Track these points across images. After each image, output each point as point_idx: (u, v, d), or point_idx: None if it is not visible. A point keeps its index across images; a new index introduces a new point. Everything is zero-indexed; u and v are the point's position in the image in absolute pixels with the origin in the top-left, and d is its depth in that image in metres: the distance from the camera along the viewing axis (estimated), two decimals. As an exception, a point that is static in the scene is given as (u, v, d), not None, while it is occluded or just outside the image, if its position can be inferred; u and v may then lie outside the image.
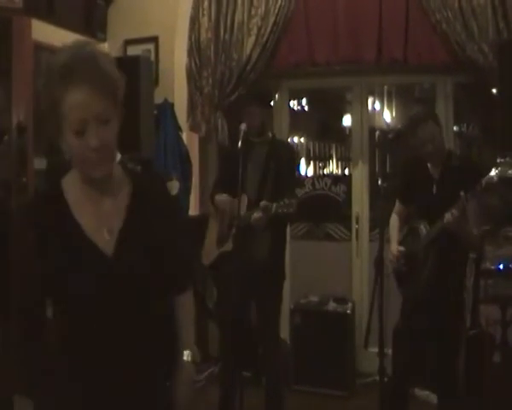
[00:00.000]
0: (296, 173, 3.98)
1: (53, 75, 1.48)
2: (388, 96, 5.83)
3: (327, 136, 6.44)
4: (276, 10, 4.44)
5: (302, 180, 5.08)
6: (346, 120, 5.73)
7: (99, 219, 1.57)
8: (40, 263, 1.52)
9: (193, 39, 4.68)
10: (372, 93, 5.17)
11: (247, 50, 4.51)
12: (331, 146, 6.51)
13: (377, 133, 5.24)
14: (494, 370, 3.60)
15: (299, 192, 4.52)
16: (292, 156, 3.74)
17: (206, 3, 4.63)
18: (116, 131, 1.53)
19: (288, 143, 4.77)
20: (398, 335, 3.56)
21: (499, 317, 3.64)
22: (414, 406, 3.56)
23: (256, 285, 3.43)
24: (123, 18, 4.69)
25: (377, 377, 2.86)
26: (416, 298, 3.34)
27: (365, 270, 4.70)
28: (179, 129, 4.61)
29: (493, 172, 2.86)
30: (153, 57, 4.65)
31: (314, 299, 4.57)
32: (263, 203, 3.31)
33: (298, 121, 6.07)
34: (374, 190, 4.75)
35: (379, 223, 3.82)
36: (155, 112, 4.41)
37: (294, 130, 5.75)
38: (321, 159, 6.50)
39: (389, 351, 3.36)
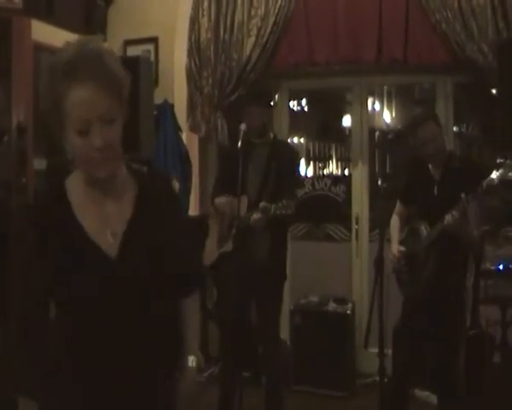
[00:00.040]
0: (297, 174, 3.98)
1: (56, 72, 1.44)
2: (388, 97, 5.83)
3: (327, 136, 6.44)
4: (276, 11, 4.44)
5: (302, 181, 5.08)
6: (346, 121, 5.73)
7: (103, 220, 1.53)
8: (42, 264, 1.49)
9: (193, 40, 4.68)
10: (372, 93, 5.17)
11: (247, 51, 4.51)
12: (331, 146, 6.51)
13: (377, 134, 5.24)
14: (494, 370, 3.60)
15: (299, 192, 4.52)
16: (293, 157, 3.74)
17: (205, 4, 4.63)
18: (120, 131, 1.49)
19: (289, 143, 4.78)
20: (398, 335, 3.56)
21: (499, 317, 3.64)
22: (414, 406, 3.57)
23: (256, 285, 3.43)
24: (123, 18, 4.69)
25: (377, 378, 2.86)
26: (416, 298, 3.34)
27: (365, 270, 4.70)
28: (179, 129, 4.61)
29: (494, 175, 2.86)
30: (153, 58, 4.64)
31: (314, 299, 4.57)
32: (262, 205, 3.31)
33: (298, 122, 6.06)
34: (374, 191, 4.75)
35: (379, 223, 3.83)
36: (155, 112, 4.41)
37: (294, 130, 5.74)
38: (321, 159, 6.50)
39: (389, 351, 3.36)
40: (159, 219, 1.58)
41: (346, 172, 5.82)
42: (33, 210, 1.59)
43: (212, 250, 3.65)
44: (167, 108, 4.55)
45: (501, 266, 3.72)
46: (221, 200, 3.62)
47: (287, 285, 3.77)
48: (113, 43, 4.66)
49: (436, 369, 3.37)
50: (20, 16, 3.60)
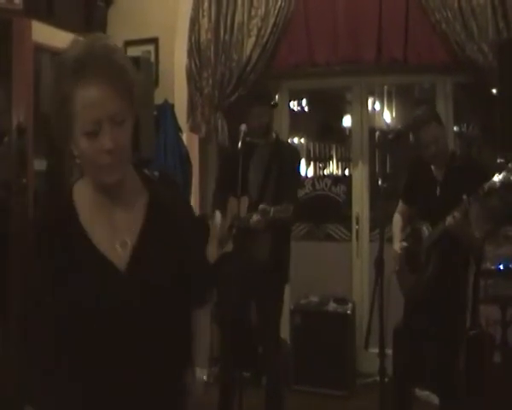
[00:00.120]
0: (299, 175, 3.99)
1: (64, 71, 1.36)
2: (388, 97, 5.83)
3: (327, 136, 6.44)
4: (276, 11, 4.44)
5: (303, 181, 5.08)
6: (346, 121, 5.73)
7: (111, 230, 1.45)
8: (47, 278, 1.40)
9: (193, 40, 4.68)
10: (372, 93, 5.18)
11: (247, 51, 4.51)
12: (331, 147, 6.51)
13: (377, 134, 5.24)
14: (494, 370, 3.60)
15: (300, 193, 4.52)
16: (295, 158, 3.75)
17: (206, 4, 4.63)
18: (131, 133, 1.41)
19: (291, 144, 4.78)
20: (398, 335, 3.55)
21: (499, 317, 3.64)
22: (414, 406, 3.56)
23: (256, 286, 3.43)
24: (123, 19, 4.69)
25: (377, 378, 2.86)
26: (416, 299, 3.34)
27: (365, 270, 4.70)
28: (179, 130, 4.61)
29: (496, 178, 2.86)
30: (153, 58, 4.65)
31: (314, 299, 4.57)
32: (261, 207, 3.31)
33: (298, 122, 6.07)
34: (374, 191, 4.75)
35: (379, 223, 3.82)
36: (155, 113, 4.41)
37: (294, 130, 5.75)
38: (321, 159, 6.50)
39: (389, 351, 3.36)
40: (171, 229, 1.50)
41: (347, 172, 5.82)
42: (40, 227, 1.49)
43: (212, 252, 3.65)
44: (167, 109, 4.55)
45: (501, 266, 3.72)
46: (217, 218, 3.64)
47: (287, 285, 3.77)
48: (113, 44, 4.66)
49: (436, 369, 3.37)
50: (20, 17, 3.61)
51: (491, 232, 3.65)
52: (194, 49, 4.67)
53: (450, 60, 4.13)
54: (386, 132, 5.54)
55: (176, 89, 4.70)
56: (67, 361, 1.39)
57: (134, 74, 1.43)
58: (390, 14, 4.24)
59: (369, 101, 4.99)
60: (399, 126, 5.71)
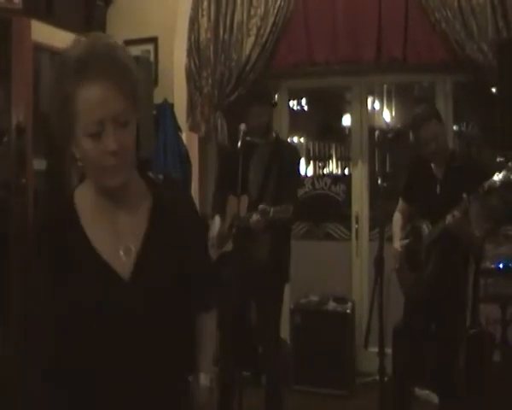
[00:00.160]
0: (298, 175, 3.99)
1: (66, 70, 1.32)
2: (388, 96, 5.83)
3: (326, 136, 6.44)
4: (276, 10, 4.44)
5: (302, 180, 5.08)
6: (346, 120, 5.73)
7: (114, 235, 1.40)
8: (48, 287, 1.36)
9: (192, 40, 4.68)
10: (371, 93, 5.17)
11: (247, 50, 4.51)
12: (331, 146, 6.51)
13: (377, 133, 5.25)
14: (494, 369, 3.60)
15: (300, 192, 4.52)
16: (295, 157, 3.74)
17: (205, 4, 4.62)
18: (135, 135, 1.36)
19: (291, 143, 4.78)
20: (398, 334, 3.56)
21: (499, 316, 3.64)
22: (414, 405, 3.56)
23: (256, 285, 3.43)
24: (122, 18, 4.69)
25: (377, 377, 2.86)
26: (416, 298, 3.34)
27: (365, 269, 4.70)
28: (179, 129, 4.61)
29: (496, 177, 2.86)
30: (152, 58, 4.65)
31: (314, 299, 4.57)
32: (261, 207, 3.30)
33: (297, 121, 6.07)
34: (373, 190, 4.75)
35: (379, 222, 3.82)
36: (155, 112, 4.41)
37: (294, 130, 5.75)
38: (321, 159, 6.50)
39: (389, 351, 3.36)
40: (175, 233, 1.45)
41: (346, 171, 5.82)
42: (40, 228, 1.45)
43: (211, 250, 3.65)
44: (167, 108, 4.55)
45: (501, 265, 3.72)
46: (216, 219, 3.64)
47: (287, 284, 3.77)
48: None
49: (436, 368, 3.37)
50: (19, 16, 3.60)
51: (491, 231, 3.65)
52: (194, 49, 4.67)
53: (450, 59, 4.13)
54: (385, 132, 5.54)
55: (175, 88, 4.70)
56: (67, 364, 1.35)
57: (138, 73, 1.39)
58: (389, 14, 4.24)
59: (369, 100, 4.99)
60: (399, 126, 5.72)
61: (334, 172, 6.47)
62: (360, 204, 4.80)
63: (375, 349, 2.74)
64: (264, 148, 3.63)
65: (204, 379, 1.62)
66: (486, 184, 2.87)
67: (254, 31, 4.49)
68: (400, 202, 3.57)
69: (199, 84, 4.66)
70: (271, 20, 4.45)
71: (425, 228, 3.29)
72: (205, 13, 4.63)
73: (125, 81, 1.34)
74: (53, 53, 3.71)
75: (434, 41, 4.15)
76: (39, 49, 3.79)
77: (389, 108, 5.89)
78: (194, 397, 1.56)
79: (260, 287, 3.46)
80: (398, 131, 4.29)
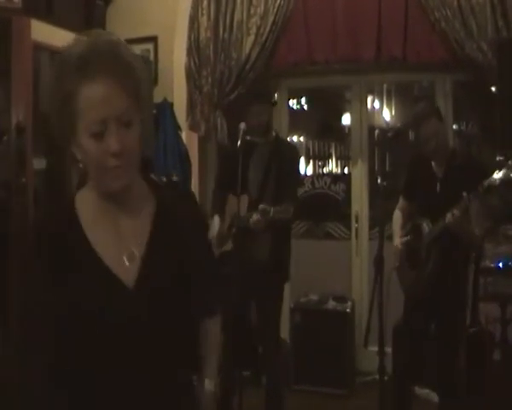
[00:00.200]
0: (298, 174, 3.99)
1: (67, 68, 1.27)
2: (387, 95, 5.83)
3: (326, 135, 6.45)
4: (275, 9, 4.44)
5: (302, 179, 5.08)
6: (346, 119, 5.74)
7: (117, 241, 1.36)
8: (51, 288, 1.31)
9: (192, 38, 4.68)
10: (371, 92, 5.17)
11: (247, 49, 4.51)
12: (330, 145, 6.52)
13: (376, 132, 5.25)
14: (494, 368, 3.60)
15: (299, 191, 4.52)
16: (295, 156, 3.74)
17: (205, 3, 4.62)
18: (138, 136, 1.31)
19: (290, 143, 4.78)
20: (398, 333, 3.56)
21: (499, 315, 3.64)
22: (414, 404, 3.56)
23: (256, 285, 3.43)
24: (122, 18, 4.68)
25: (377, 376, 2.85)
26: (416, 296, 3.34)
27: (365, 269, 4.70)
28: (179, 128, 4.61)
29: (496, 175, 2.86)
30: (152, 57, 4.64)
31: (314, 298, 4.57)
32: (261, 207, 3.30)
33: (297, 120, 6.07)
34: (373, 189, 4.75)
35: (378, 221, 3.83)
36: (155, 111, 4.41)
37: (294, 129, 5.75)
38: (320, 158, 6.51)
39: (389, 350, 3.36)
40: (180, 238, 1.41)
41: (346, 170, 5.83)
42: (39, 232, 1.40)
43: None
44: (167, 107, 4.55)
45: (500, 264, 3.72)
46: (215, 219, 3.65)
47: (287, 284, 3.78)
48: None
49: (436, 367, 3.37)
50: (19, 16, 3.60)
51: (491, 230, 3.66)
52: (194, 48, 4.67)
53: (450, 58, 4.13)
54: (385, 130, 5.54)
55: (175, 87, 4.70)
56: (67, 366, 1.32)
57: (141, 71, 1.34)
58: (389, 13, 4.24)
59: (369, 99, 4.99)
60: (399, 125, 5.73)
61: (334, 171, 6.48)
62: (360, 203, 4.80)
63: (375, 348, 2.74)
64: (263, 147, 3.63)
65: (209, 384, 1.57)
66: (486, 183, 2.87)
67: (254, 30, 4.49)
68: (400, 200, 3.57)
69: (199, 83, 4.66)
70: (271, 18, 4.45)
71: (425, 226, 3.29)
72: (205, 12, 4.63)
73: (129, 79, 1.29)
74: (53, 52, 3.71)
75: (434, 40, 4.15)
76: (39, 48, 3.79)
77: (389, 107, 5.89)
78: (198, 401, 1.52)
79: (260, 287, 3.46)
80: (398, 130, 4.30)
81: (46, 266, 1.33)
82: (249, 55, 4.50)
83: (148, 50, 4.65)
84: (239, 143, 3.35)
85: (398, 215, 3.55)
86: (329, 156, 6.54)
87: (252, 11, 4.52)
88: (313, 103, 6.38)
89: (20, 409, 1.50)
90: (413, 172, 3.48)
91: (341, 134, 6.11)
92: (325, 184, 5.06)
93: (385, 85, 5.61)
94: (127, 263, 1.34)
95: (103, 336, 1.30)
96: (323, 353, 4.25)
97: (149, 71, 4.37)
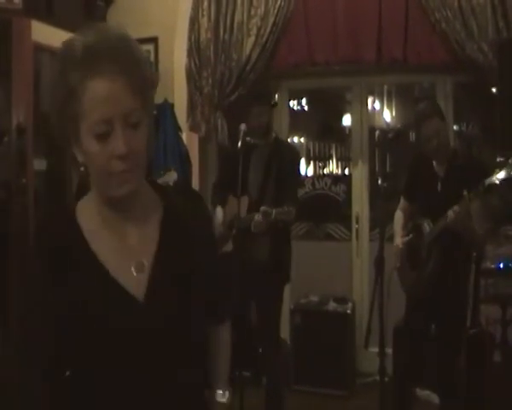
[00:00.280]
0: (298, 175, 3.99)
1: (72, 58, 1.15)
2: (388, 96, 5.83)
3: (327, 136, 6.44)
4: (276, 10, 4.44)
5: (302, 180, 5.08)
6: (346, 120, 5.73)
7: (123, 251, 1.26)
8: (47, 308, 1.23)
9: (192, 40, 4.68)
10: (372, 93, 5.17)
11: (247, 50, 4.51)
12: (331, 146, 6.51)
13: (377, 133, 5.24)
14: (494, 369, 3.59)
15: (300, 192, 4.52)
16: (294, 157, 3.75)
17: (205, 4, 4.62)
18: (146, 139, 1.21)
19: (290, 144, 4.78)
20: (398, 334, 3.56)
21: (499, 316, 3.64)
22: (415, 405, 3.56)
23: (256, 286, 3.43)
24: (122, 19, 4.67)
25: (377, 377, 2.86)
26: (417, 296, 3.34)
27: (365, 270, 4.69)
28: (179, 129, 4.61)
29: (496, 174, 2.86)
30: (152, 58, 4.65)
31: (314, 299, 4.56)
32: (263, 208, 3.30)
33: (298, 121, 6.07)
34: (374, 190, 4.75)
35: (379, 223, 3.82)
36: (155, 112, 4.40)
37: (294, 130, 5.75)
38: (321, 159, 6.50)
39: (389, 351, 3.36)
40: (189, 245, 1.32)
41: (347, 171, 5.82)
42: (39, 246, 1.30)
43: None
44: (167, 108, 4.56)
45: (501, 265, 3.72)
46: (218, 210, 3.64)
47: (287, 285, 3.78)
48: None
49: (437, 369, 3.37)
50: (19, 17, 3.60)
51: (492, 231, 3.65)
52: (194, 49, 4.67)
53: (450, 59, 4.13)
54: (385, 132, 5.54)
55: (175, 88, 4.70)
56: (69, 370, 1.25)
57: (150, 73, 1.26)
58: (390, 14, 4.24)
59: (369, 100, 4.99)
60: (399, 126, 5.72)
61: (335, 172, 6.47)
62: (360, 204, 4.80)
63: (376, 349, 2.74)
64: (263, 148, 3.63)
65: (222, 397, 1.52)
66: (487, 182, 2.87)
67: (254, 31, 4.49)
68: (402, 200, 3.57)
69: (199, 84, 4.66)
70: (272, 20, 4.45)
71: (426, 226, 3.29)
72: (205, 13, 4.63)
73: (138, 78, 1.18)
74: (53, 53, 3.70)
75: (434, 41, 4.15)
76: (39, 49, 3.79)
77: (389, 108, 5.89)
78: None
79: (260, 287, 3.46)
80: (399, 131, 4.30)
81: (49, 280, 1.23)
82: (250, 56, 4.50)
83: (149, 51, 4.65)
84: (239, 144, 3.36)
85: (399, 215, 3.54)
86: (330, 157, 6.54)
87: (252, 12, 4.52)
88: (314, 104, 6.38)
89: (19, 409, 1.50)
90: (414, 171, 3.48)
91: (342, 135, 6.11)
92: (326, 185, 5.06)
93: (385, 86, 5.61)
94: (135, 274, 1.25)
95: (113, 350, 1.21)
96: (324, 354, 4.24)
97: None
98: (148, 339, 1.23)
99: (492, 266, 3.74)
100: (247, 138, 3.44)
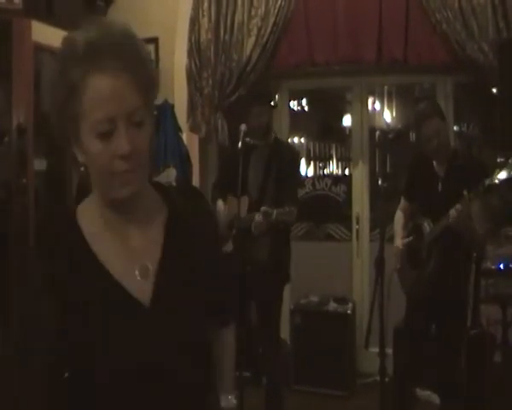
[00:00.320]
0: (298, 175, 3.99)
1: (73, 54, 1.11)
2: (388, 96, 5.83)
3: (327, 136, 6.44)
4: (276, 11, 4.44)
5: (302, 181, 5.08)
6: (347, 121, 5.73)
7: (127, 254, 1.22)
8: (54, 308, 1.18)
9: (193, 40, 4.68)
10: (372, 93, 5.17)
11: (247, 51, 4.51)
12: (331, 146, 6.51)
13: (377, 133, 5.25)
14: (495, 370, 3.59)
15: (300, 192, 4.53)
16: (294, 158, 3.75)
17: (206, 4, 4.62)
18: (149, 139, 1.18)
19: (290, 144, 4.78)
20: (398, 335, 3.55)
21: (500, 316, 3.64)
22: (415, 406, 3.56)
23: (256, 286, 3.43)
24: (123, 19, 4.59)
25: (378, 378, 2.86)
26: (417, 296, 3.34)
27: (366, 270, 4.69)
28: (179, 130, 4.61)
29: (496, 174, 2.86)
30: (153, 58, 4.64)
31: (314, 299, 4.56)
32: (264, 209, 3.30)
33: (298, 122, 6.07)
34: (374, 190, 4.75)
35: (379, 223, 3.82)
36: (155, 113, 4.40)
37: (294, 130, 5.75)
38: (321, 159, 6.50)
39: (390, 351, 3.36)
40: (194, 248, 1.29)
41: (347, 171, 5.82)
42: (39, 244, 1.28)
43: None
44: (167, 109, 4.56)
45: (501, 266, 3.72)
46: (219, 204, 3.63)
47: (287, 285, 3.78)
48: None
49: (437, 369, 3.37)
50: (20, 17, 3.61)
51: (492, 232, 3.65)
52: (194, 49, 4.67)
53: (451, 59, 4.13)
54: (386, 132, 5.54)
55: (176, 89, 4.70)
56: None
57: (154, 72, 1.22)
58: (390, 14, 4.24)
59: (370, 100, 4.99)
60: (399, 126, 5.72)
61: (335, 172, 6.47)
62: (361, 205, 4.80)
63: (376, 350, 2.74)
64: (263, 149, 3.63)
65: (228, 401, 1.49)
66: (487, 182, 2.87)
67: (255, 31, 4.49)
68: (402, 201, 3.57)
69: (199, 84, 4.66)
70: (272, 20, 4.45)
71: (426, 226, 3.29)
72: (205, 13, 4.63)
73: (143, 76, 1.15)
74: (53, 53, 3.70)
75: (435, 42, 4.15)
76: (40, 49, 3.79)
77: (390, 108, 5.89)
78: None
79: (260, 287, 3.46)
80: (399, 131, 4.31)
81: (49, 281, 1.19)
82: (250, 56, 4.50)
83: (149, 52, 4.65)
84: (239, 144, 3.36)
85: (399, 216, 3.54)
86: (330, 158, 6.53)
87: (252, 12, 4.52)
88: (314, 105, 6.38)
89: (20, 409, 1.48)
90: (414, 171, 3.47)
91: (342, 135, 6.10)
92: (326, 185, 5.06)
93: (386, 87, 5.61)
94: (139, 278, 1.21)
95: (113, 353, 1.17)
96: (324, 354, 4.24)
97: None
98: (150, 343, 1.18)
99: (493, 266, 3.74)
100: (247, 139, 3.44)
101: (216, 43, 4.61)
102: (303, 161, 6.01)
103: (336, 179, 5.22)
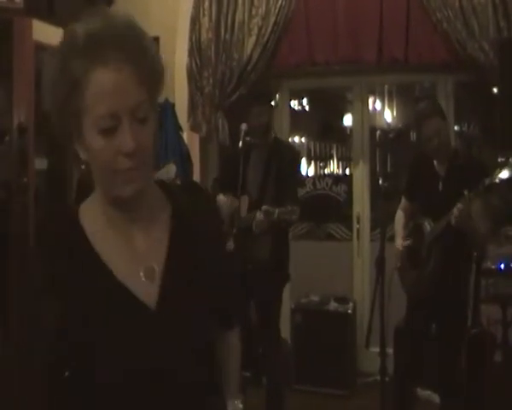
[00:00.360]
0: (298, 174, 3.99)
1: (74, 47, 1.07)
2: (389, 96, 5.84)
3: (327, 136, 6.45)
4: (277, 10, 4.44)
5: (303, 180, 5.08)
6: (347, 120, 5.74)
7: (131, 255, 1.18)
8: (54, 308, 1.15)
9: (193, 39, 4.68)
10: (373, 93, 5.17)
11: (248, 50, 4.51)
12: (332, 146, 6.52)
13: (378, 133, 5.25)
14: (495, 369, 3.59)
15: (301, 192, 4.52)
16: (294, 157, 3.75)
17: (206, 3, 4.62)
18: (153, 135, 1.14)
19: (290, 143, 4.78)
20: (399, 334, 3.55)
21: (500, 316, 3.64)
22: (415, 405, 3.56)
23: (256, 285, 3.43)
24: (123, 18, 4.68)
25: (378, 377, 2.86)
26: (418, 296, 3.34)
27: (366, 270, 4.69)
28: (180, 129, 4.62)
29: (497, 174, 2.86)
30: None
31: (315, 299, 4.56)
32: (265, 208, 3.30)
33: (298, 121, 6.08)
34: (375, 190, 4.75)
35: (380, 223, 3.82)
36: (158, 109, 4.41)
37: (295, 130, 5.75)
38: (322, 159, 6.51)
39: (390, 351, 3.36)
40: (199, 248, 1.25)
41: (347, 171, 5.83)
42: (39, 244, 1.24)
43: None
44: (168, 108, 4.55)
45: (502, 265, 3.72)
46: (220, 198, 3.62)
47: (288, 284, 3.78)
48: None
49: (438, 369, 3.37)
50: (21, 16, 3.61)
51: (492, 232, 3.65)
52: (195, 49, 4.67)
53: (451, 59, 4.14)
54: (386, 131, 5.55)
55: (176, 88, 4.70)
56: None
57: (160, 65, 1.17)
58: (391, 14, 4.24)
59: (370, 100, 4.99)
60: (400, 125, 5.72)
61: (336, 172, 6.48)
62: (361, 204, 4.80)
63: (377, 349, 2.74)
64: (263, 148, 3.63)
65: (235, 405, 1.47)
66: (487, 181, 2.87)
67: (255, 30, 4.49)
68: (403, 200, 3.57)
69: (200, 84, 4.66)
70: (272, 19, 4.45)
71: (427, 225, 3.29)
72: (206, 13, 4.63)
73: (146, 67, 1.10)
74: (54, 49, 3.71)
75: (436, 41, 4.15)
76: (41, 48, 3.79)
77: (390, 108, 5.89)
78: None
79: (260, 287, 3.46)
80: (400, 131, 4.31)
81: (49, 281, 1.17)
82: (250, 55, 4.50)
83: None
84: (240, 143, 3.36)
85: (400, 215, 3.54)
86: (331, 157, 6.54)
87: (253, 12, 4.52)
88: (314, 104, 6.38)
89: (20, 409, 1.48)
90: (415, 171, 3.47)
91: (343, 135, 6.11)
92: (326, 185, 5.06)
93: (386, 86, 5.62)
94: (144, 279, 1.17)
95: (114, 354, 1.14)
96: (324, 353, 4.24)
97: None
98: (154, 345, 1.15)
99: (493, 266, 3.74)
100: (247, 138, 3.44)
101: (217, 43, 4.61)
102: (304, 161, 6.01)
103: (337, 179, 5.23)
